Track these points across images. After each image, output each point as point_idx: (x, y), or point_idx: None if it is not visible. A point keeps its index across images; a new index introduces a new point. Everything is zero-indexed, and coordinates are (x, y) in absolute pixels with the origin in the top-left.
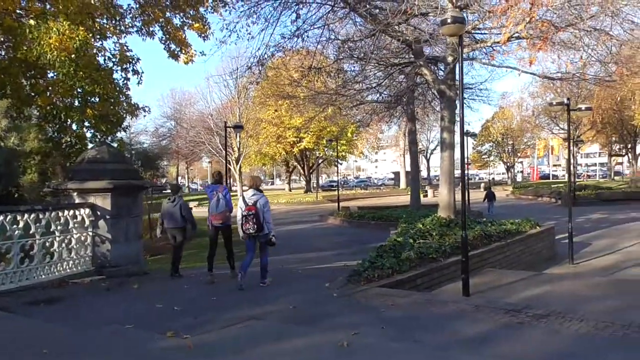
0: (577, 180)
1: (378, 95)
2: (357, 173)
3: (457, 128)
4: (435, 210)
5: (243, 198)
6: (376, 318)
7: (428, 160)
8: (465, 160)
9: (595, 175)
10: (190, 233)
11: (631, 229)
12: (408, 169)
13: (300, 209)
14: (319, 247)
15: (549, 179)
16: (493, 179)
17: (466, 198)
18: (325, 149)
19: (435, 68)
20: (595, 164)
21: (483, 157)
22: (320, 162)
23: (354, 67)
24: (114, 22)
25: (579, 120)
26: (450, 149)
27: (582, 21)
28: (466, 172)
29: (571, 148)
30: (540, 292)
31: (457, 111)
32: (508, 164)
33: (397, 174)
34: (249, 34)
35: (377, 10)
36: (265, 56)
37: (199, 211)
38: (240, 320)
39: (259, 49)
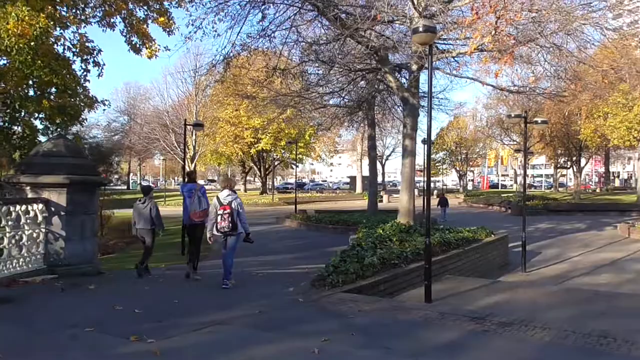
0: (522, 190)
1: (340, 99)
2: (312, 176)
3: (419, 135)
4: (392, 216)
5: (218, 198)
6: (345, 324)
7: (383, 166)
8: (424, 167)
9: (541, 186)
10: (157, 235)
11: (577, 239)
12: (365, 173)
13: (256, 210)
14: (277, 251)
15: (497, 188)
16: (446, 186)
17: (427, 205)
18: (283, 151)
19: (399, 75)
20: (541, 175)
21: (437, 165)
22: (276, 164)
23: (319, 70)
24: (74, 10)
25: (530, 132)
26: (412, 155)
27: (544, 37)
28: (421, 179)
29: (526, 159)
30: (499, 300)
31: (427, 117)
32: (460, 172)
33: (353, 178)
34: (215, 31)
35: (345, 15)
36: (231, 55)
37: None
38: (206, 324)
39: (225, 47)
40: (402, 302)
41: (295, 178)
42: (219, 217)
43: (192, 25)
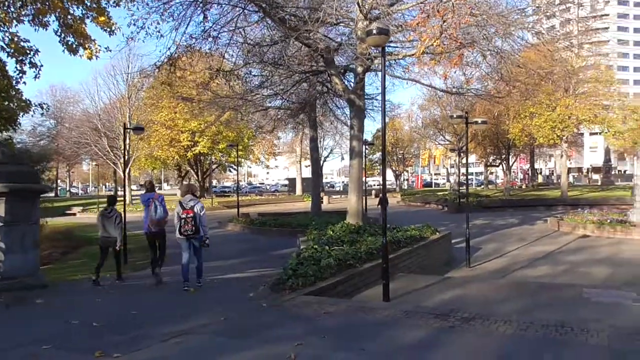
0: (461, 188)
1: (284, 101)
2: (248, 179)
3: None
4: (336, 217)
5: (180, 203)
6: (314, 328)
7: (321, 168)
8: (363, 167)
9: (471, 183)
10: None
11: (512, 233)
12: (304, 175)
13: None
14: (224, 255)
15: (431, 186)
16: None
17: (383, 206)
18: (221, 155)
19: (345, 78)
20: (471, 173)
21: (374, 165)
22: (214, 167)
23: (263, 72)
24: (4, 7)
25: (462, 132)
26: (360, 157)
27: (486, 40)
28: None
29: (467, 158)
30: (454, 296)
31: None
32: (397, 172)
33: (292, 180)
34: (159, 32)
35: (290, 17)
36: (176, 56)
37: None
38: (172, 334)
39: (169, 48)
40: (364, 302)
41: (237, 181)
42: (183, 221)
43: (134, 25)
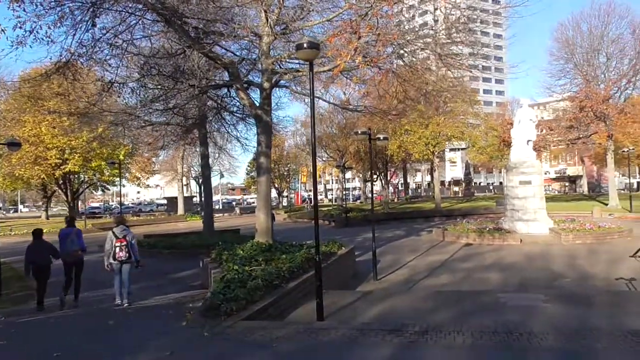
0: (341, 203)
1: (174, 117)
2: (117, 199)
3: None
4: (230, 236)
5: (114, 232)
6: (273, 354)
7: (200, 186)
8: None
9: (349, 198)
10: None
11: (404, 245)
12: (187, 194)
13: None
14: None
15: (310, 203)
16: None
17: (316, 223)
18: (93, 173)
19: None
20: (348, 188)
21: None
22: (86, 187)
23: (158, 85)
24: None
25: (345, 148)
26: (268, 173)
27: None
28: (240, 197)
29: (372, 175)
30: (384, 310)
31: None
32: (279, 189)
33: (171, 199)
34: (49, 37)
35: (192, 29)
36: (63, 64)
37: None
38: None
39: (60, 55)
40: (310, 323)
41: (121, 201)
42: (117, 249)
43: (21, 28)
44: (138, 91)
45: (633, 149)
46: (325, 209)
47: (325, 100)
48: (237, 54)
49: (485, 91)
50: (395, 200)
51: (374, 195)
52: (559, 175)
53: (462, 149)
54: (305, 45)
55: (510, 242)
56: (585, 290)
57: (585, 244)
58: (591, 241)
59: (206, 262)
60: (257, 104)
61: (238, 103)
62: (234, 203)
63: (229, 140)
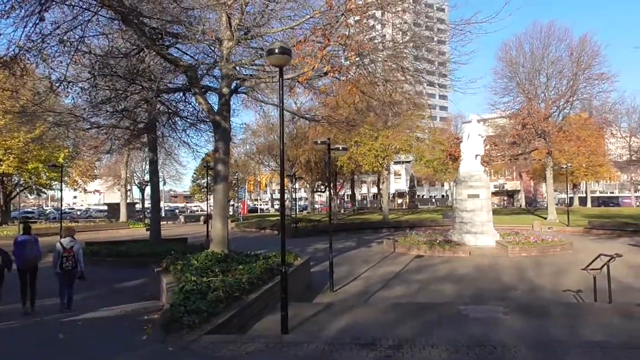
0: (290, 214)
1: (122, 119)
2: (51, 203)
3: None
4: (179, 244)
5: (61, 243)
6: None
7: (143, 192)
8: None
9: (296, 208)
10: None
11: (356, 256)
12: (129, 200)
13: (3, 244)
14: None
15: (256, 212)
16: (205, 212)
17: (283, 233)
18: (30, 176)
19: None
20: (295, 199)
21: (202, 190)
22: (20, 190)
23: (112, 86)
24: None
25: (296, 158)
26: (225, 181)
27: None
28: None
29: (330, 185)
30: (348, 323)
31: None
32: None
33: (113, 205)
34: None
35: (150, 29)
36: (12, 58)
37: None
38: None
39: (8, 48)
40: (279, 337)
41: (61, 206)
42: (64, 259)
43: None
44: (89, 91)
45: (570, 165)
46: (275, 218)
47: (287, 110)
48: (196, 57)
49: (429, 106)
50: (342, 211)
51: (321, 206)
52: (498, 189)
53: (408, 161)
54: (276, 50)
55: (460, 254)
56: (538, 301)
57: (530, 257)
58: (536, 254)
59: (157, 271)
60: (216, 110)
61: (191, 108)
62: (176, 211)
63: (179, 146)
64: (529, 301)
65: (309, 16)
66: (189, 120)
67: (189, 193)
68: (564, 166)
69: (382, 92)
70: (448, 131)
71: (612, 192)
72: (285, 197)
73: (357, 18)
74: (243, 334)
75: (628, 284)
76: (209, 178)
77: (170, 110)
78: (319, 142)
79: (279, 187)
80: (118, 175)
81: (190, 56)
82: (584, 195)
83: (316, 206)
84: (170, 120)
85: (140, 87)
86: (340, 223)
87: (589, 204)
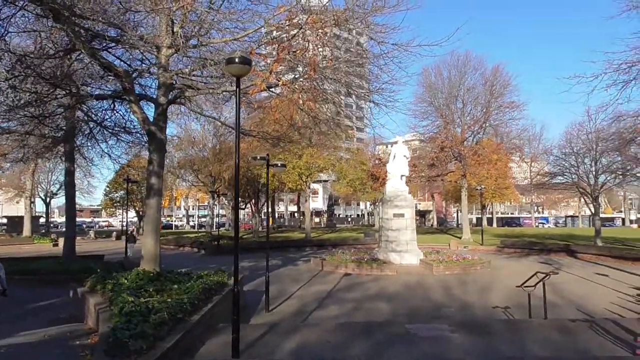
0: (210, 230)
1: (38, 126)
2: None
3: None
4: (96, 261)
5: None
6: None
7: (48, 205)
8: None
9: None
10: None
11: (285, 275)
12: (34, 213)
13: None
14: None
15: (171, 228)
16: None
17: (235, 253)
18: None
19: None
20: (206, 215)
21: (115, 204)
22: None
23: (32, 89)
24: None
25: (219, 174)
26: (159, 195)
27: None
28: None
29: (269, 204)
30: (298, 344)
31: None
32: (141, 212)
33: (13, 218)
34: None
35: (83, 31)
36: None
37: None
38: None
39: None
40: None
41: None
42: None
43: None
44: (6, 93)
45: (484, 187)
46: (193, 235)
47: (222, 123)
48: (130, 64)
49: (348, 126)
50: (260, 229)
51: (240, 223)
52: None
53: (325, 181)
54: (237, 60)
55: (388, 273)
56: (479, 319)
57: (454, 274)
58: (458, 272)
59: (82, 291)
60: (151, 120)
61: (116, 117)
62: (84, 226)
63: (102, 157)
64: (471, 319)
65: (252, 29)
66: (110, 129)
67: (96, 207)
68: (478, 188)
69: (330, 110)
70: (365, 152)
71: (512, 213)
72: (199, 213)
73: (317, 33)
74: (190, 358)
75: (549, 300)
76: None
77: (90, 119)
78: (258, 157)
79: (195, 204)
80: (21, 186)
81: (124, 61)
82: (490, 215)
83: (231, 223)
84: (91, 130)
85: (68, 91)
86: (263, 241)
87: (494, 224)
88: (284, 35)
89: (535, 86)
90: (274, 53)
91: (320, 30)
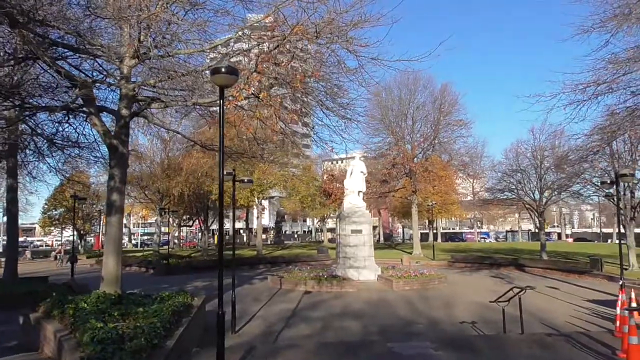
0: (158, 249)
1: None
2: None
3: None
4: (38, 283)
5: None
6: None
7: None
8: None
9: (151, 244)
10: None
11: (243, 294)
12: None
13: None
14: None
15: None
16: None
17: (220, 272)
18: None
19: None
20: (152, 233)
21: (54, 222)
22: None
23: None
24: None
25: (167, 190)
26: (120, 212)
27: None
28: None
29: (232, 218)
30: None
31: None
32: (82, 231)
33: None
34: None
35: (39, 38)
36: None
37: None
38: None
39: None
40: None
41: None
42: None
43: None
44: None
45: (435, 203)
46: (140, 254)
47: (185, 136)
48: (89, 74)
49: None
50: (207, 246)
51: (182, 241)
52: None
53: (272, 197)
54: (223, 69)
55: (348, 290)
56: (455, 335)
57: (414, 290)
58: (418, 287)
59: (35, 317)
60: (112, 133)
61: (67, 130)
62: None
63: (49, 172)
64: (450, 335)
65: (221, 40)
66: (59, 144)
67: (29, 225)
68: (430, 204)
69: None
70: (313, 169)
71: (454, 229)
72: (141, 231)
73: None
74: None
75: (512, 314)
76: (103, 207)
77: (36, 133)
78: (226, 173)
79: (139, 221)
80: None
81: (82, 72)
82: (435, 231)
83: (176, 241)
84: (36, 144)
85: (20, 102)
86: (214, 259)
87: (439, 239)
88: (266, 45)
89: (480, 105)
90: (251, 65)
91: (306, 37)
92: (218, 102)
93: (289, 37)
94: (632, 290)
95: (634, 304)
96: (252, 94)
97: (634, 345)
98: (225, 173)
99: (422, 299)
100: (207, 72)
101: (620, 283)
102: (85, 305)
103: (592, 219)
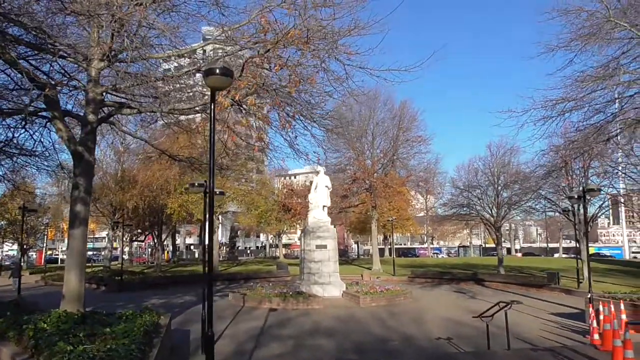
0: (108, 265)
1: None
2: None
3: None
4: None
5: None
6: None
7: None
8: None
9: (98, 259)
10: None
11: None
12: None
13: None
14: None
15: (56, 262)
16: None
17: (210, 292)
18: None
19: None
20: (99, 249)
21: (7, 234)
22: None
23: None
24: None
25: (121, 204)
26: (84, 225)
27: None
28: None
29: (210, 230)
30: None
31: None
32: (25, 245)
33: None
34: None
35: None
36: None
37: None
38: None
39: None
40: None
41: None
42: None
43: None
44: None
45: (395, 218)
46: (89, 270)
47: (152, 145)
48: (50, 76)
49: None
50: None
51: (130, 256)
52: None
53: (232, 211)
54: (217, 71)
55: (315, 306)
56: (441, 353)
57: (381, 306)
58: (385, 303)
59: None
60: (78, 140)
61: (23, 137)
62: None
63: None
64: (434, 353)
65: (199, 45)
66: (8, 152)
67: None
68: (389, 219)
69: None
70: (269, 183)
71: (406, 244)
72: (102, 246)
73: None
74: None
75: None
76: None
77: None
78: (196, 184)
79: (109, 235)
80: None
81: (44, 73)
82: (390, 246)
83: (124, 257)
84: None
85: None
86: (168, 275)
87: (393, 254)
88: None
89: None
90: (237, 67)
91: (298, 41)
92: (200, 107)
93: (282, 41)
94: (600, 303)
95: (623, 316)
96: (236, 101)
97: (630, 359)
98: (196, 184)
99: (391, 315)
100: (185, 77)
101: (589, 296)
102: (45, 325)
103: (537, 234)
